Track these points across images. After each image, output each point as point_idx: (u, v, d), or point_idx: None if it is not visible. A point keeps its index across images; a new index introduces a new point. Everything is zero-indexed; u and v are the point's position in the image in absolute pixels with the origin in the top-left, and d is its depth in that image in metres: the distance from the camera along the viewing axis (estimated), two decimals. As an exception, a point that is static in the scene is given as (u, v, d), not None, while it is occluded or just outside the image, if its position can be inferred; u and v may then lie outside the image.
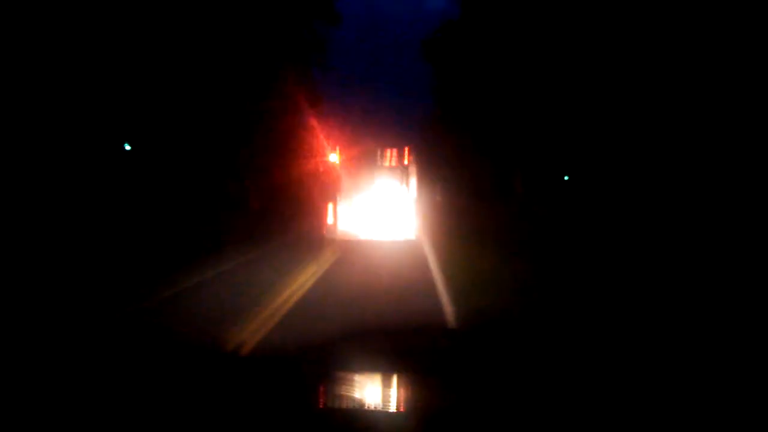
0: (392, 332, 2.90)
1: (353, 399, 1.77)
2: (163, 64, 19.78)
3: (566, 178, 30.05)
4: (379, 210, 13.50)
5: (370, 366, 1.93)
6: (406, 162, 13.78)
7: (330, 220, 13.65)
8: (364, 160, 14.03)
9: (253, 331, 5.88)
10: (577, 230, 16.88)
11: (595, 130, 22.08)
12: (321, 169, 14.97)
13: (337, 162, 14.00)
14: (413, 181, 13.68)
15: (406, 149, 13.96)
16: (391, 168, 13.78)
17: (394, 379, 1.81)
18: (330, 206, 13.73)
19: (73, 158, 17.16)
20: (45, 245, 11.74)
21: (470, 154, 33.45)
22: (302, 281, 8.94)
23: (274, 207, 27.10)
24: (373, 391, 1.83)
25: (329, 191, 13.91)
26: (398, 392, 1.79)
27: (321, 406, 1.69)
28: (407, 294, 8.05)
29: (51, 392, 1.64)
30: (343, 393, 1.77)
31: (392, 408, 1.69)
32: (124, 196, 18.34)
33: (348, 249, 13.13)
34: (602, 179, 23.80)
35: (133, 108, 19.14)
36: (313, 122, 27.11)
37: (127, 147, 20.84)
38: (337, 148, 14.40)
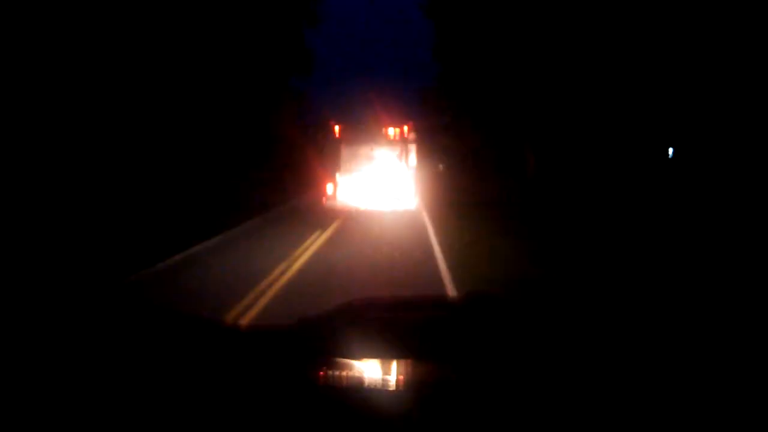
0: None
1: (352, 375, 1.76)
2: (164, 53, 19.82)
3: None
4: (380, 181, 13.52)
5: (368, 342, 1.92)
6: (406, 134, 13.77)
7: (330, 190, 13.71)
8: (365, 131, 14.06)
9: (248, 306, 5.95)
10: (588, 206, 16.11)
11: (614, 96, 20.57)
12: (322, 141, 14.98)
13: (338, 134, 13.99)
14: (413, 152, 13.69)
15: (407, 125, 13.94)
16: (391, 139, 13.78)
17: (394, 361, 1.80)
18: (331, 177, 13.77)
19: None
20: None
21: (474, 122, 31.75)
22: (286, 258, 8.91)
23: (276, 178, 27.12)
24: (372, 367, 1.83)
25: (330, 163, 13.95)
26: (398, 370, 1.78)
27: (318, 383, 1.68)
28: (406, 265, 8.06)
29: (44, 362, 1.63)
30: (341, 369, 1.76)
31: (392, 385, 1.68)
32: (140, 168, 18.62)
33: (347, 218, 13.18)
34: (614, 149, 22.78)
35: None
36: (312, 94, 27.17)
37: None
38: (338, 121, 14.36)
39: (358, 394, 1.56)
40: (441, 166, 26.83)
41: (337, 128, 14.12)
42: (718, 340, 1.85)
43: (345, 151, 13.75)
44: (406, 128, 13.85)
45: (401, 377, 1.71)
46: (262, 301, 6.20)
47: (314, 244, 9.96)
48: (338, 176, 13.69)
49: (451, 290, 6.64)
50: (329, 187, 13.76)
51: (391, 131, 13.83)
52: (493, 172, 31.27)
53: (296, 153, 29.38)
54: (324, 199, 13.90)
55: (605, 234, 11.02)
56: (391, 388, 1.61)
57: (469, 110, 30.82)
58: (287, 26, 27.40)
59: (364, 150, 13.74)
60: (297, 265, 8.14)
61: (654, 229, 11.37)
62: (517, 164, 29.46)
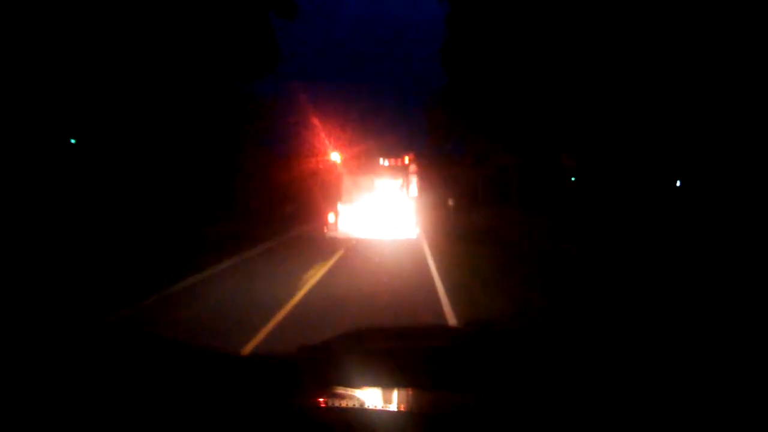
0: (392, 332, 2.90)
1: (353, 404, 1.78)
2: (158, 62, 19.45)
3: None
4: (381, 211, 13.58)
5: (369, 370, 1.94)
6: (408, 163, 13.91)
7: (331, 219, 13.77)
8: (365, 159, 14.23)
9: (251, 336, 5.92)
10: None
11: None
12: (322, 169, 15.12)
13: (339, 161, 14.17)
14: (414, 182, 13.80)
15: (409, 155, 14.09)
16: (392, 168, 13.91)
17: (395, 390, 1.82)
18: (331, 206, 13.85)
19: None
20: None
21: (488, 142, 28.63)
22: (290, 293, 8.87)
23: (276, 206, 27.12)
24: (373, 396, 1.85)
25: (331, 191, 14.06)
26: (399, 399, 1.80)
27: (320, 408, 1.71)
28: (408, 300, 8.00)
29: (47, 385, 1.66)
30: (342, 398, 1.79)
31: (393, 414, 1.70)
32: (126, 198, 18.19)
33: (348, 249, 13.16)
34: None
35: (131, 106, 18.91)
36: (315, 122, 26.71)
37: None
38: (339, 148, 14.55)
39: (359, 423, 1.58)
40: (451, 201, 24.50)
41: (338, 157, 14.28)
42: (719, 368, 1.88)
43: (346, 181, 13.88)
44: (407, 158, 13.99)
45: (402, 406, 1.74)
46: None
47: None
48: (339, 206, 13.76)
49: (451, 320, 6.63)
50: (331, 216, 13.80)
51: (392, 161, 13.97)
52: (513, 202, 28.69)
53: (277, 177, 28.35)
54: (325, 228, 13.94)
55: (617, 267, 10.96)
56: (392, 418, 1.63)
57: (483, 128, 27.74)
58: (248, 14, 23.48)
59: (365, 180, 13.87)
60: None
61: (660, 259, 11.38)
62: (540, 192, 27.72)
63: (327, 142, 22.20)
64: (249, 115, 26.02)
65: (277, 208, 27.06)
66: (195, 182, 22.50)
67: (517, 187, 29.91)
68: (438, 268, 10.71)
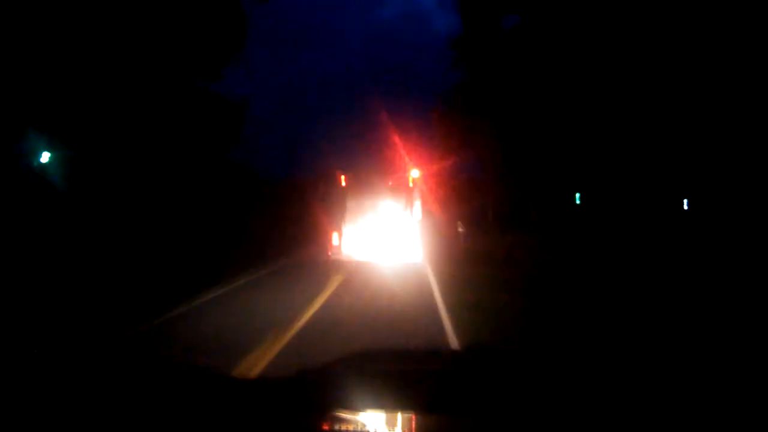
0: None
1: (354, 425, 1.81)
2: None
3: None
4: (385, 233, 13.49)
5: (372, 393, 1.97)
6: (412, 183, 13.91)
7: (336, 242, 13.70)
8: (370, 182, 14.15)
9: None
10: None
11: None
12: (326, 192, 15.05)
13: (344, 184, 14.09)
14: (418, 203, 13.77)
15: (413, 176, 14.05)
16: (396, 191, 13.87)
17: (399, 414, 1.85)
18: (335, 228, 13.77)
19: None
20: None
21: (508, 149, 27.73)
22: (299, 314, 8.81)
23: (279, 229, 26.90)
24: (375, 418, 1.87)
25: (335, 213, 14.01)
26: (400, 423, 1.83)
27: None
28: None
29: (56, 405, 1.70)
30: (343, 422, 1.82)
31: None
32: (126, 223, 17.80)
33: (351, 273, 13.01)
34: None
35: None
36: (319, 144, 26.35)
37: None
38: (343, 171, 14.46)
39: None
40: (461, 227, 23.03)
41: (342, 178, 14.18)
42: (715, 393, 1.91)
43: (350, 202, 13.79)
44: (411, 179, 13.98)
45: (402, 430, 1.76)
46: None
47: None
48: (343, 227, 13.66)
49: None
50: (334, 238, 13.70)
51: (397, 182, 13.95)
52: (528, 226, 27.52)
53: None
54: (329, 250, 13.86)
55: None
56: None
57: (503, 134, 26.52)
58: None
59: (368, 201, 13.78)
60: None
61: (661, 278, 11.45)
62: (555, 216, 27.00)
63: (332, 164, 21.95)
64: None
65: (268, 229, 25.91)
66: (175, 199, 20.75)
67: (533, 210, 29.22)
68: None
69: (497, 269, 14.52)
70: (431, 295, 10.33)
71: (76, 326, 7.49)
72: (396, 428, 1.77)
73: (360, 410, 1.84)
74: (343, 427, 1.76)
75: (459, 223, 22.58)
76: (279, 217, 27.96)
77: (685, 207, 22.77)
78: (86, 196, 17.20)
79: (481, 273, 13.45)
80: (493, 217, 32.69)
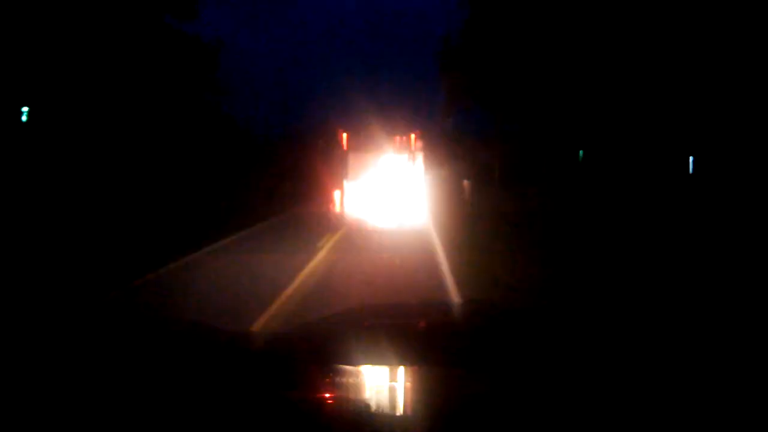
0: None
1: (352, 377, 1.80)
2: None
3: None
4: (387, 193, 13.12)
5: (370, 348, 1.96)
6: (414, 142, 13.48)
7: (337, 205, 13.43)
8: (373, 142, 13.69)
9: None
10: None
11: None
12: (328, 151, 14.72)
13: (345, 144, 13.64)
14: (421, 161, 13.38)
15: (416, 132, 13.61)
16: (399, 148, 13.49)
17: (401, 368, 1.84)
18: (337, 190, 13.44)
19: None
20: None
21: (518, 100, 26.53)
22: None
23: (281, 186, 26.64)
24: (373, 371, 1.86)
25: (334, 172, 13.67)
26: (398, 373, 1.82)
27: (319, 390, 1.73)
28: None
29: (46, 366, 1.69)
30: (343, 376, 1.81)
31: (394, 392, 1.72)
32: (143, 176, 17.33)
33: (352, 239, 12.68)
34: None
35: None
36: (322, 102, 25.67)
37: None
38: (346, 130, 14.05)
39: (359, 401, 1.60)
40: (466, 182, 22.16)
41: (344, 135, 13.77)
42: (719, 348, 1.89)
43: (351, 160, 13.36)
44: (413, 136, 13.58)
45: (405, 384, 1.76)
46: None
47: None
48: (345, 185, 13.24)
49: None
50: (336, 196, 13.39)
51: (399, 139, 13.56)
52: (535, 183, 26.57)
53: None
54: (330, 207, 13.64)
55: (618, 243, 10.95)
56: (393, 396, 1.65)
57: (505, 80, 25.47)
58: None
59: (370, 160, 13.32)
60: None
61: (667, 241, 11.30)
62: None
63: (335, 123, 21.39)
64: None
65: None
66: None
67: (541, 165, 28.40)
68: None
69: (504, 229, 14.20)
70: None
71: (62, 285, 7.49)
72: (395, 381, 1.76)
73: (358, 364, 1.84)
74: (343, 380, 1.76)
75: (465, 181, 22.14)
76: (273, 175, 27.41)
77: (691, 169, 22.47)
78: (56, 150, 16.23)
79: (486, 233, 13.26)
80: (500, 175, 32.18)
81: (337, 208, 13.41)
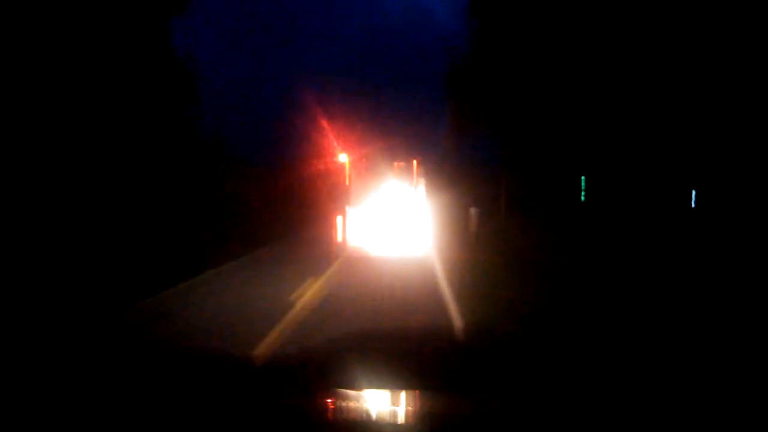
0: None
1: (356, 403, 1.81)
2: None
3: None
4: (391, 223, 12.88)
5: (374, 372, 1.97)
6: (416, 169, 13.35)
7: (339, 235, 13.09)
8: (375, 168, 13.54)
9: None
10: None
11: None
12: (328, 176, 14.61)
13: (347, 170, 13.52)
14: (423, 188, 13.25)
15: (416, 159, 13.47)
16: (403, 178, 13.31)
17: (402, 394, 1.85)
18: (339, 218, 13.15)
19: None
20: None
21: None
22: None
23: (277, 209, 26.18)
24: (376, 396, 1.87)
25: (337, 200, 13.52)
26: (400, 398, 1.83)
27: (322, 414, 1.74)
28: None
29: (53, 394, 1.71)
30: (345, 400, 1.82)
31: (396, 416, 1.73)
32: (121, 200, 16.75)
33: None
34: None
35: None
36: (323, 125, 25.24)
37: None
38: (346, 155, 13.97)
39: (362, 425, 1.61)
40: (473, 210, 20.72)
41: (345, 159, 13.68)
42: (718, 378, 1.90)
43: (353, 186, 13.24)
44: (415, 162, 13.44)
45: (407, 408, 1.76)
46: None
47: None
48: (347, 211, 12.98)
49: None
50: (338, 227, 13.11)
51: (402, 165, 13.43)
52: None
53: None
54: (331, 234, 13.45)
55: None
56: (395, 420, 1.66)
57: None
58: None
59: (372, 186, 13.14)
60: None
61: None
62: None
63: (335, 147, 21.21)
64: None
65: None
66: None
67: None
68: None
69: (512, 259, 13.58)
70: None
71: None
72: (397, 406, 1.77)
73: (361, 389, 1.84)
74: (347, 405, 1.76)
75: (472, 209, 21.42)
76: (270, 201, 26.65)
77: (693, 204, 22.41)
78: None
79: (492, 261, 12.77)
80: (506, 204, 31.51)
81: (339, 236, 13.18)
